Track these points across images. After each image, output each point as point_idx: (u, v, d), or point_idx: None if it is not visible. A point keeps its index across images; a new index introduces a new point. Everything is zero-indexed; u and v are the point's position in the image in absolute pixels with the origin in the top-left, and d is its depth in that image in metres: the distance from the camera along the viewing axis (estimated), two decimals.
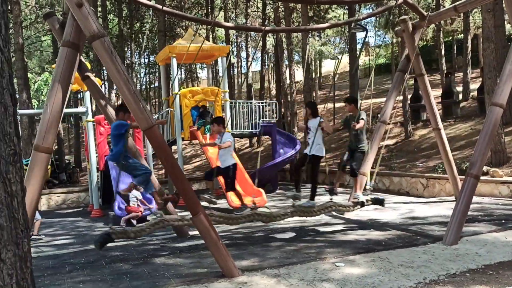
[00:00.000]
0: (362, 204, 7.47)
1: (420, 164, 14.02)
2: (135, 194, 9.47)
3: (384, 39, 41.95)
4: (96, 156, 11.35)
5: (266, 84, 39.98)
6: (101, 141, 11.13)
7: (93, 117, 11.23)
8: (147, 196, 10.25)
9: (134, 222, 9.35)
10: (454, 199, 9.91)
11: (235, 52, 38.63)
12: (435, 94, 24.14)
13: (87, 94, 10.87)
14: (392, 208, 9.39)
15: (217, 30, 24.88)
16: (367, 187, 8.16)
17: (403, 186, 12.41)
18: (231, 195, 10.05)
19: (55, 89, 5.01)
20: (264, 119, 13.95)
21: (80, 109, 11.18)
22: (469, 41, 22.74)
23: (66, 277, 5.56)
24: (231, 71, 39.20)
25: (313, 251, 6.16)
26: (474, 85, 22.29)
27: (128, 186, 9.11)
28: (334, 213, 8.79)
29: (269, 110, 15.50)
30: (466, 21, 22.15)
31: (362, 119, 7.31)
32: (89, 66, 8.41)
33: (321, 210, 7.21)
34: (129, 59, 26.91)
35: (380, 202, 7.70)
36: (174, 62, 11.99)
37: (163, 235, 8.23)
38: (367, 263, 5.50)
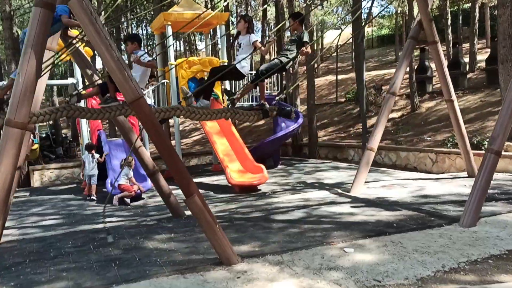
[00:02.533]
0: (265, 113, 6.05)
1: (428, 138, 13.45)
2: (125, 171, 8.94)
3: (388, 9, 40.95)
4: (88, 131, 10.79)
5: (267, 56, 39.04)
6: None
7: (84, 89, 10.55)
8: (142, 173, 9.74)
9: (128, 200, 8.85)
10: (466, 175, 9.39)
11: (234, 23, 37.59)
12: None
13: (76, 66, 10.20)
14: (401, 185, 8.87)
15: None
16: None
17: (411, 161, 11.87)
18: (230, 171, 9.53)
19: (28, 55, 4.40)
20: (267, 91, 13.28)
21: (69, 80, 10.55)
22: (477, 10, 21.86)
23: (49, 263, 5.08)
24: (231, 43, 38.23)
25: (318, 234, 5.66)
26: (480, 56, 21.63)
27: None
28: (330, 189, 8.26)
29: (270, 83, 14.81)
30: None
31: (306, 41, 6.10)
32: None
33: (217, 113, 5.82)
34: (126, 30, 26.00)
35: (287, 114, 6.40)
36: (170, 30, 11.27)
37: (158, 215, 7.74)
38: (379, 248, 5.01)
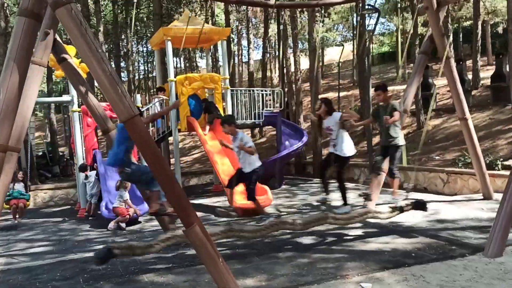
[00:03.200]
0: (401, 210, 6.45)
1: (437, 157, 12.97)
2: (120, 193, 8.45)
3: (388, 26, 40.91)
4: (84, 150, 10.33)
5: (268, 74, 38.84)
6: (89, 133, 10.11)
7: (79, 107, 10.17)
8: (138, 194, 9.24)
9: (123, 225, 8.33)
10: (482, 197, 8.89)
11: (235, 40, 37.45)
12: (442, 83, 23.21)
13: None
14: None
15: (217, 16, 23.69)
16: (406, 186, 7.21)
17: (420, 181, 11.37)
18: (235, 193, 9.01)
19: (10, 70, 3.95)
20: (267, 109, 12.88)
21: (65, 97, 10.13)
22: (479, 27, 21.62)
23: None
24: (232, 60, 38.08)
25: (330, 266, 5.15)
26: (483, 74, 21.35)
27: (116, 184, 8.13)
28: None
29: (269, 100, 14.49)
30: (476, 6, 20.98)
31: (396, 110, 6.35)
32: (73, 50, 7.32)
33: (357, 217, 6.25)
34: (126, 47, 25.74)
35: (421, 206, 6.59)
36: (169, 45, 10.90)
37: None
38: (399, 283, 4.50)
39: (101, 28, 17.91)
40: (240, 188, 9.53)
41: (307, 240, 6.45)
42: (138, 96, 10.75)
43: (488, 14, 26.44)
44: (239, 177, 7.13)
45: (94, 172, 9.62)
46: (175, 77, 11.25)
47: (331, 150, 6.86)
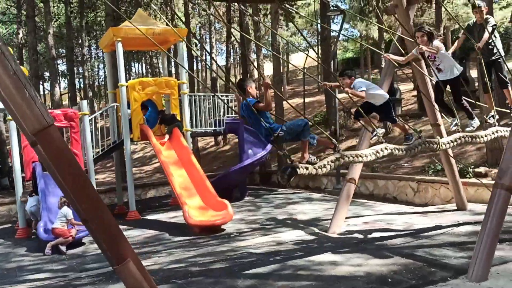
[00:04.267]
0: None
1: (405, 164, 12.53)
2: (64, 212, 7.47)
3: (352, 32, 41.02)
4: (22, 163, 9.26)
5: (232, 79, 38.08)
6: (27, 144, 9.02)
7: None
8: None
9: (63, 248, 7.33)
10: (456, 208, 8.39)
11: (198, 45, 36.55)
12: (408, 87, 23.06)
13: None
14: (385, 222, 7.76)
15: (176, 19, 22.72)
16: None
17: (390, 190, 10.86)
18: (189, 208, 8.18)
19: None
20: (229, 115, 12.11)
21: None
22: (441, 32, 21.64)
23: None
24: (194, 65, 37.13)
25: None
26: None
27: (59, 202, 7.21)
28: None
29: (235, 106, 13.77)
30: (438, 11, 20.97)
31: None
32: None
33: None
34: (81, 51, 24.42)
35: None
36: (120, 47, 9.98)
37: (97, 268, 6.29)
38: None
39: (51, 30, 16.71)
40: (196, 202, 8.72)
41: (271, 264, 5.69)
42: (85, 103, 9.76)
43: (449, 20, 26.66)
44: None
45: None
46: (127, 81, 10.31)
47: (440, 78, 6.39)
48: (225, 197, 11.70)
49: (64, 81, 26.74)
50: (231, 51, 27.43)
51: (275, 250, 6.46)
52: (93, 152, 10.29)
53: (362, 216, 8.46)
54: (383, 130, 6.23)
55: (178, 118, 10.75)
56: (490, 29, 6.40)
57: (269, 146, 11.67)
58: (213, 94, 12.27)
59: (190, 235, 7.95)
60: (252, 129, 13.68)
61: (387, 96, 6.19)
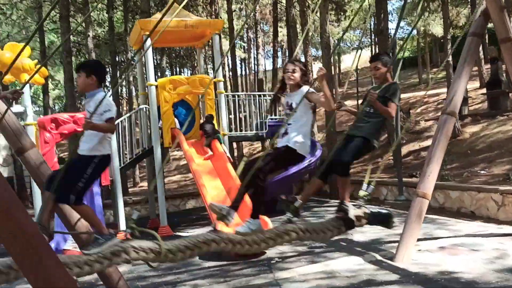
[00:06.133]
0: (349, 224, 3.75)
1: (482, 172, 10.62)
2: None
3: (407, 30, 38.53)
4: None
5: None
6: (47, 151, 8.09)
7: (35, 120, 8.21)
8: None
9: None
10: None
11: (245, 47, 35.53)
12: (473, 86, 20.74)
13: (27, 88, 7.86)
14: (469, 247, 6.07)
15: (220, 17, 21.66)
16: (362, 193, 4.14)
17: (466, 203, 9.03)
18: (222, 228, 6.85)
19: None
20: (273, 117, 10.73)
21: (16, 108, 8.19)
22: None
23: None
24: (241, 68, 36.16)
25: None
26: None
27: None
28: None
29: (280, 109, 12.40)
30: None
31: (391, 100, 3.79)
32: None
33: (270, 239, 3.48)
34: (126, 56, 23.87)
35: (384, 220, 4.04)
36: (148, 42, 8.87)
37: None
38: None
39: (91, 33, 16.11)
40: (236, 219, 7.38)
41: None
42: None
43: None
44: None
45: None
46: (156, 80, 9.21)
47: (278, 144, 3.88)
48: (267, 209, 10.38)
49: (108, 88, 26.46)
50: (279, 51, 26.07)
51: (326, 285, 5.03)
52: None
53: (435, 238, 6.78)
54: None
55: (215, 121, 9.54)
56: (392, 104, 3.93)
57: (318, 152, 10.19)
58: (254, 94, 10.95)
59: (224, 260, 6.62)
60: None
61: None
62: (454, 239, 6.58)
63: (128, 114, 9.53)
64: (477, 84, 20.89)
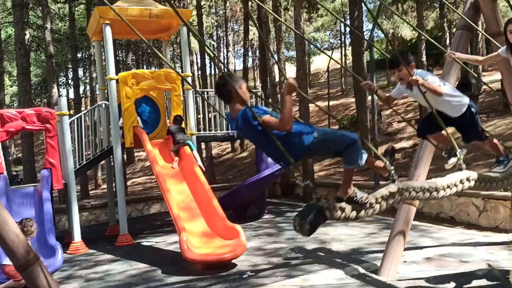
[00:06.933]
0: None
1: None
2: None
3: (376, 33, 38.67)
4: None
5: (251, 83, 36.18)
6: None
7: None
8: (50, 243, 6.37)
9: None
10: None
11: (215, 45, 34.77)
12: (491, 78, 20.66)
13: None
14: (456, 258, 5.60)
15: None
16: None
17: (445, 208, 8.64)
18: (188, 237, 6.14)
19: None
20: None
21: None
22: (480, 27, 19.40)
23: None
24: (211, 68, 35.35)
25: None
26: (487, 78, 19.19)
27: None
28: None
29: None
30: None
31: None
32: None
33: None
34: (88, 52, 22.76)
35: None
36: (108, 32, 8.07)
37: None
38: None
39: (48, 25, 15.06)
40: (198, 227, 6.72)
41: None
42: (64, 100, 7.82)
43: None
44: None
45: None
46: (117, 74, 8.40)
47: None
48: (238, 215, 9.73)
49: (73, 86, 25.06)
50: (249, 50, 25.44)
51: None
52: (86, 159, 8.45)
53: (420, 247, 6.30)
54: (465, 150, 4.16)
55: (182, 123, 8.80)
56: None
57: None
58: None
59: (189, 274, 5.91)
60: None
61: (467, 101, 4.13)
62: (440, 249, 6.11)
63: (85, 111, 8.65)
64: (498, 76, 20.95)
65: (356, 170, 3.33)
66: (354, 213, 3.23)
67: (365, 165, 3.32)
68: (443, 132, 4.16)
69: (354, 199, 3.20)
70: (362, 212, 3.29)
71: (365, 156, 3.22)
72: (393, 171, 3.51)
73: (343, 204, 3.17)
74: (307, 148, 3.11)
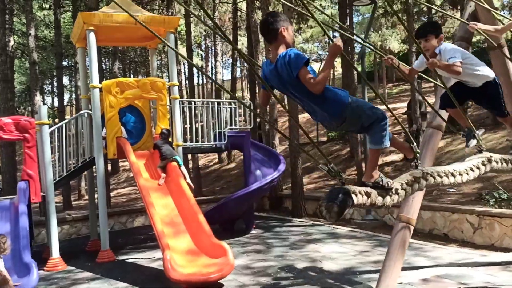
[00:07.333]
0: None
1: (451, 190, 10.12)
2: None
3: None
4: None
5: (239, 94, 35.98)
6: None
7: None
8: (25, 261, 5.98)
9: None
10: None
11: (203, 55, 34.57)
12: (433, 100, 20.77)
13: None
14: (455, 279, 5.34)
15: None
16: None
17: (439, 225, 8.43)
18: (172, 255, 5.80)
19: None
20: (233, 127, 9.79)
21: None
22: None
23: None
24: (198, 77, 35.05)
25: None
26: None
27: None
28: None
29: (241, 120, 11.62)
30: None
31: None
32: None
33: None
34: (74, 59, 22.31)
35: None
36: (92, 38, 7.74)
37: None
38: None
39: (32, 32, 14.65)
40: (183, 244, 6.37)
41: None
42: (44, 109, 7.44)
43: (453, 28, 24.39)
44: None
45: None
46: (101, 82, 8.06)
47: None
48: (225, 229, 9.40)
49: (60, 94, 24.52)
50: (238, 60, 25.23)
51: None
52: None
53: (416, 267, 6.04)
54: (483, 130, 4.16)
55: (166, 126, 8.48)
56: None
57: (282, 166, 9.32)
58: (212, 101, 10.01)
59: None
60: (261, 145, 11.41)
61: (493, 74, 4.01)
62: (436, 269, 5.84)
63: (66, 121, 8.28)
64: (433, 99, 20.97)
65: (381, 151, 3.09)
66: (380, 199, 3.00)
67: (390, 146, 3.13)
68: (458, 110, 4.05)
69: (380, 183, 2.95)
70: (388, 199, 3.06)
71: (390, 137, 3.02)
72: (418, 154, 3.34)
73: (369, 189, 2.93)
74: (344, 107, 2.86)
